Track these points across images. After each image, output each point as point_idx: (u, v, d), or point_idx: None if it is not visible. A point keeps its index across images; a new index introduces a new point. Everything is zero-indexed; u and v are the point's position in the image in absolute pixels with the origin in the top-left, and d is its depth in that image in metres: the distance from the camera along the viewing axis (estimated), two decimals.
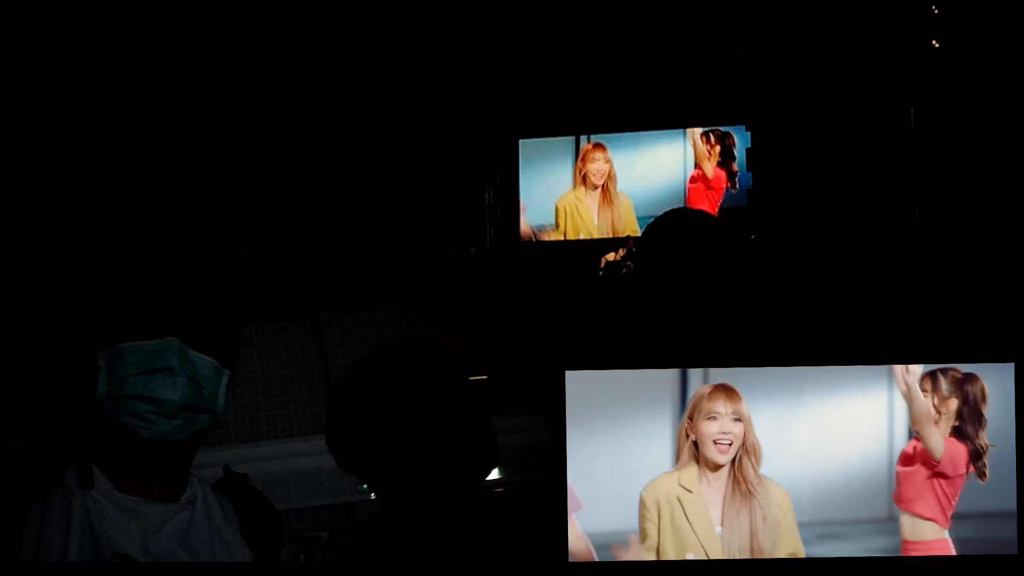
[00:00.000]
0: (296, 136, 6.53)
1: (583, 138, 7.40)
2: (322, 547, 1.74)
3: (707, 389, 1.55)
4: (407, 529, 1.66)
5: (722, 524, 1.54)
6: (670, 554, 1.53)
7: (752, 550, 1.53)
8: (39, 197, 5.52)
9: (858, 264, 5.84)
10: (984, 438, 1.55)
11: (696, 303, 1.84)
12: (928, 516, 1.55)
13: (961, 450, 1.55)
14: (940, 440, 1.55)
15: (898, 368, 1.55)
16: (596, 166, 7.17)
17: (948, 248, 5.79)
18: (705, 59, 6.87)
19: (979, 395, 1.55)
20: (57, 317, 1.64)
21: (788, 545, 1.54)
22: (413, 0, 6.34)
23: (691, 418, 1.54)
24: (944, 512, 1.56)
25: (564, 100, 7.22)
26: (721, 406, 1.54)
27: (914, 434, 1.56)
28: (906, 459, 1.56)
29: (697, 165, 7.01)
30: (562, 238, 7.09)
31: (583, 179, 7.19)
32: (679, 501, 1.53)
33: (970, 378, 1.55)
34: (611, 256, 6.67)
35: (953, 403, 1.55)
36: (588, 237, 7.09)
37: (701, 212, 1.96)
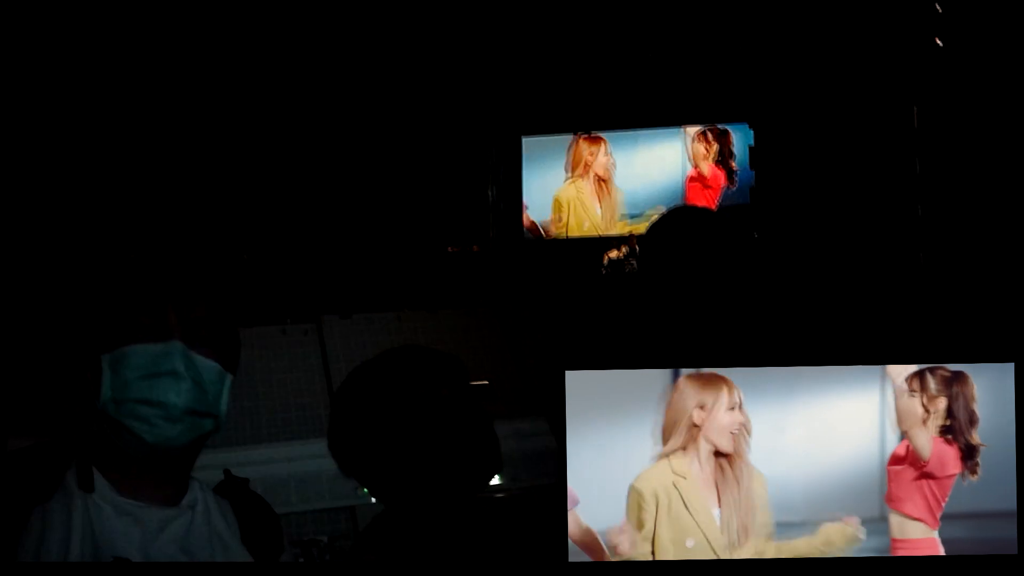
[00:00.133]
0: (296, 136, 6.54)
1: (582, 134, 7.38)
2: (322, 551, 1.75)
3: (705, 379, 1.55)
4: (408, 534, 1.67)
5: (719, 506, 1.55)
6: (667, 542, 1.54)
7: (747, 529, 1.54)
8: (42, 199, 5.54)
9: (861, 262, 5.83)
10: (976, 437, 1.55)
11: (699, 302, 1.84)
12: (916, 516, 1.56)
13: (950, 451, 1.56)
14: (928, 440, 1.56)
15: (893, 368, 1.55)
16: (601, 159, 7.15)
17: (951, 247, 5.78)
18: (708, 57, 6.86)
19: (969, 394, 1.54)
20: (60, 319, 1.63)
21: (764, 517, 1.55)
22: (413, 0, 6.35)
23: (701, 407, 1.54)
24: (932, 512, 1.56)
25: (567, 97, 7.21)
26: (726, 397, 1.54)
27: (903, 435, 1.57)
28: (897, 459, 1.56)
29: (695, 164, 6.98)
30: (565, 231, 7.08)
31: (584, 171, 7.17)
32: (675, 487, 1.54)
33: (959, 377, 1.55)
34: (614, 254, 6.66)
35: (942, 402, 1.55)
36: (592, 229, 7.08)
37: (705, 210, 1.95)
